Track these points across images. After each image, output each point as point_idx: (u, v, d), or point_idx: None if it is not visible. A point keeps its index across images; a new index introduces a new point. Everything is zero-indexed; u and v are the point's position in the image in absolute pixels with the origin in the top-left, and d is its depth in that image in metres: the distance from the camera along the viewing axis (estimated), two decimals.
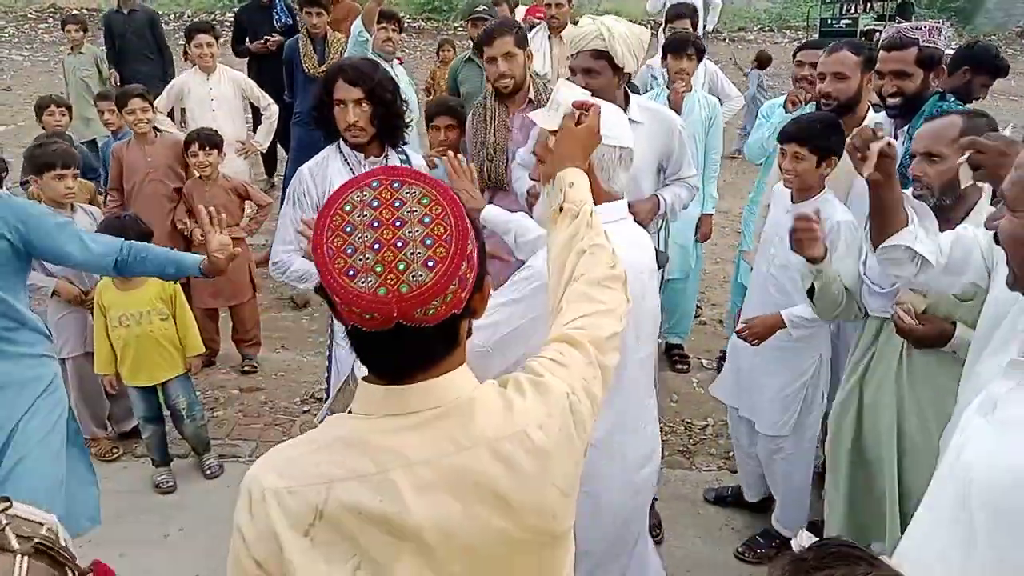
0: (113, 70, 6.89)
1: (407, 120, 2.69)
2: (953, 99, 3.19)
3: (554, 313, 1.38)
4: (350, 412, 1.13)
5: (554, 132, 1.77)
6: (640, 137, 2.82)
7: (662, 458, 2.45)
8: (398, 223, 1.01)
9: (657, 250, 2.30)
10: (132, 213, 3.75)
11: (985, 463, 1.15)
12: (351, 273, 0.99)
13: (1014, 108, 11.23)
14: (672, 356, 4.58)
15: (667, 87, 4.26)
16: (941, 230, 2.00)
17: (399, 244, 1.00)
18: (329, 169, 2.66)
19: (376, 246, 0.99)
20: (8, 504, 1.06)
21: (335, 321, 2.75)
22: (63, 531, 1.12)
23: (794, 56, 4.17)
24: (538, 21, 5.52)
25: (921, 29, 3.02)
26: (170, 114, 5.48)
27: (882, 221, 1.91)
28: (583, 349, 1.25)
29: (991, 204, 2.05)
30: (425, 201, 1.03)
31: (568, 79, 2.48)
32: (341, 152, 2.68)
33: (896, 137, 2.89)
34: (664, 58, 4.25)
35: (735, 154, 8.28)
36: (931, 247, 1.89)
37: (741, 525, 3.29)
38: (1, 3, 16.36)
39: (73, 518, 2.61)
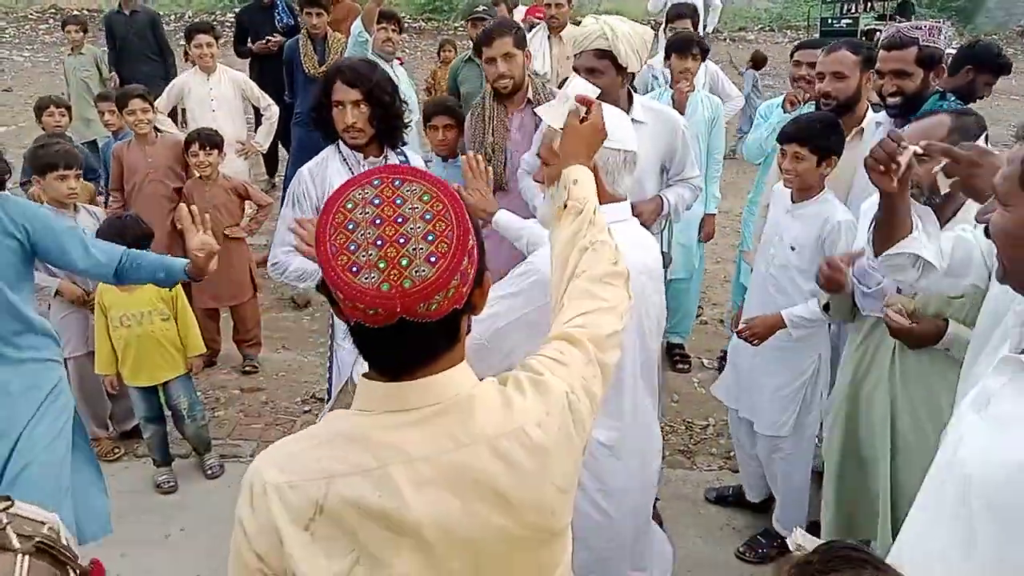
0: (113, 72, 6.88)
1: (406, 121, 2.69)
2: (953, 98, 3.19)
3: (556, 310, 1.38)
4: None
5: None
6: (643, 137, 2.82)
7: (663, 458, 2.46)
8: (400, 220, 1.02)
9: (660, 251, 2.30)
10: (133, 213, 3.75)
11: (981, 459, 1.15)
12: (354, 269, 1.00)
13: (1015, 107, 11.23)
14: (673, 356, 4.58)
15: (669, 87, 4.26)
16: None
17: (401, 240, 1.01)
18: (328, 170, 2.65)
19: (379, 242, 1.01)
20: (10, 503, 1.06)
21: (336, 322, 2.75)
22: (64, 530, 1.12)
23: (792, 56, 4.18)
24: (538, 21, 5.53)
25: (921, 28, 3.03)
26: (171, 114, 5.48)
27: (890, 230, 1.91)
28: (583, 348, 1.25)
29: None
30: (426, 198, 1.04)
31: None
32: (340, 153, 2.68)
33: None
34: (667, 58, 4.24)
35: (731, 154, 8.28)
36: (934, 251, 1.89)
37: (742, 525, 3.29)
38: (2, 4, 16.38)
39: (82, 525, 2.61)
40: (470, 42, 5.28)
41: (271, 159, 7.36)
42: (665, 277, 3.66)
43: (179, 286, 3.50)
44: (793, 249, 2.80)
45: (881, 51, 2.98)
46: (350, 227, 1.02)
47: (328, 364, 2.95)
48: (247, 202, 4.54)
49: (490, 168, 2.63)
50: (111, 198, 4.48)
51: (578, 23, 5.09)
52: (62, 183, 3.49)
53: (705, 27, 7.36)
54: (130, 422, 3.83)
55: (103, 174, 4.94)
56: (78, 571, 1.08)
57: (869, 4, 11.15)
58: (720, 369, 3.91)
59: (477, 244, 1.09)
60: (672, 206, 3.00)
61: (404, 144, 2.75)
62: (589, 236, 1.45)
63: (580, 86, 1.85)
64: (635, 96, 2.97)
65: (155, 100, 4.69)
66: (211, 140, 4.30)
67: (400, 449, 1.06)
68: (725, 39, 15.08)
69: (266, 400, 4.25)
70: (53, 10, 15.94)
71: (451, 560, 1.08)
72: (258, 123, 6.06)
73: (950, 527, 1.21)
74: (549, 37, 5.14)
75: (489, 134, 3.31)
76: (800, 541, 1.31)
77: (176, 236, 4.33)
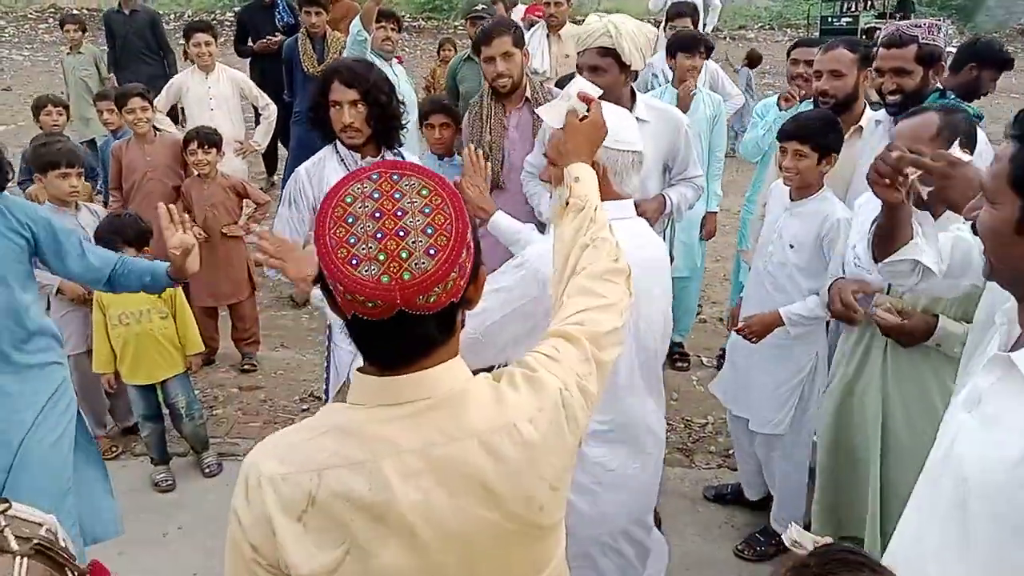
0: (111, 75, 6.86)
1: (403, 121, 2.68)
2: (953, 96, 3.19)
3: (556, 307, 1.39)
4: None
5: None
6: (646, 136, 2.81)
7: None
8: (399, 213, 1.03)
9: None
10: (132, 212, 3.75)
11: (974, 458, 1.15)
12: (354, 262, 1.01)
13: (1015, 105, 11.20)
14: (672, 354, 4.57)
15: (672, 85, 4.25)
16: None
17: (401, 233, 1.02)
18: (325, 169, 2.65)
19: (379, 235, 1.01)
20: (7, 505, 1.06)
21: (333, 323, 2.75)
22: (62, 531, 1.12)
23: (788, 54, 4.18)
24: (537, 19, 5.53)
25: (921, 26, 3.02)
26: (171, 113, 5.47)
27: (892, 238, 1.91)
28: (579, 345, 1.25)
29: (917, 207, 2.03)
30: (424, 192, 1.05)
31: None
32: (338, 152, 2.68)
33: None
34: (672, 56, 4.23)
35: (731, 152, 8.28)
36: (934, 256, 1.89)
37: (741, 523, 3.28)
38: (1, 3, 16.38)
39: (88, 526, 2.61)
40: (470, 41, 5.27)
41: (270, 158, 7.36)
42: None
43: None
44: (792, 247, 2.80)
45: (881, 49, 2.98)
46: (349, 220, 1.03)
47: (326, 363, 2.94)
48: (245, 200, 4.54)
49: (489, 164, 2.63)
50: (111, 197, 4.48)
51: (577, 22, 5.11)
52: (64, 181, 3.51)
53: (704, 26, 7.35)
54: (131, 419, 3.82)
55: (101, 173, 4.94)
56: (76, 572, 1.08)
57: (869, 2, 11.16)
58: (719, 367, 3.91)
59: (473, 239, 1.10)
60: (675, 205, 2.99)
61: (400, 145, 2.75)
62: (590, 233, 1.46)
63: (582, 84, 1.86)
64: (638, 94, 2.96)
65: (154, 99, 4.68)
66: (210, 139, 4.29)
67: (391, 442, 1.07)
68: (725, 37, 15.07)
69: (264, 398, 4.25)
70: (52, 9, 15.95)
71: (440, 553, 1.09)
72: (258, 123, 6.07)
73: (945, 526, 1.20)
74: (548, 35, 5.14)
75: (487, 133, 3.31)
76: (796, 537, 1.30)
77: None
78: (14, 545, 1.00)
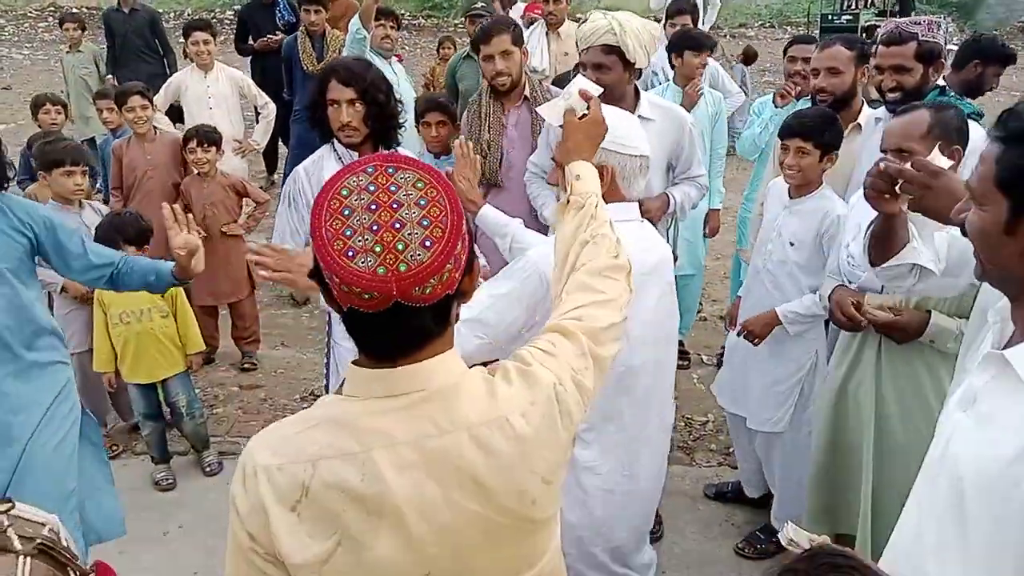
0: (109, 76, 6.84)
1: (401, 120, 2.68)
2: (953, 93, 3.19)
3: (555, 304, 1.40)
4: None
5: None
6: (650, 134, 2.80)
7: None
8: (395, 205, 1.03)
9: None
10: (132, 211, 3.75)
11: (972, 457, 1.15)
12: (350, 254, 1.01)
13: (1016, 103, 11.19)
14: None
15: (674, 82, 4.25)
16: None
17: (397, 225, 1.02)
18: (324, 169, 2.64)
19: (374, 227, 1.02)
20: (11, 505, 1.06)
21: (333, 319, 2.75)
22: (64, 530, 1.12)
23: (785, 52, 4.19)
24: (536, 17, 5.52)
25: (920, 24, 3.02)
26: (169, 112, 5.46)
27: (889, 243, 1.91)
28: (575, 340, 1.26)
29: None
30: (420, 185, 1.06)
31: (583, 75, 2.48)
32: (336, 151, 2.68)
33: None
34: (680, 54, 4.21)
35: (731, 150, 8.28)
36: (931, 255, 1.89)
37: (741, 521, 3.28)
38: (1, 1, 16.36)
39: (93, 525, 2.61)
40: (469, 39, 5.27)
41: (270, 156, 7.35)
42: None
43: None
44: (792, 245, 2.80)
45: (880, 46, 2.97)
46: (346, 213, 1.03)
47: (326, 361, 2.95)
48: (245, 199, 4.53)
49: (478, 157, 2.63)
50: (112, 196, 4.48)
51: (576, 20, 5.10)
52: (68, 179, 3.54)
53: (703, 24, 7.35)
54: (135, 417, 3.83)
55: (101, 172, 4.94)
56: (78, 572, 1.08)
57: (869, 0, 11.13)
58: (719, 365, 3.91)
59: (468, 231, 1.11)
60: (678, 204, 2.99)
61: (398, 144, 2.74)
62: (590, 230, 1.47)
63: (582, 83, 1.86)
64: (642, 93, 2.95)
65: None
66: (209, 137, 4.29)
67: (384, 434, 1.08)
68: (725, 35, 15.05)
69: (265, 397, 4.25)
70: (52, 8, 15.92)
71: (432, 546, 1.09)
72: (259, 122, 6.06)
73: (942, 525, 1.20)
74: (547, 34, 5.14)
75: (485, 131, 3.30)
76: (792, 536, 1.30)
77: None
78: (17, 545, 1.00)
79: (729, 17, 15.98)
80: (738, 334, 2.89)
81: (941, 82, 3.52)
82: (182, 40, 5.57)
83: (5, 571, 0.97)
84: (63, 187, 3.56)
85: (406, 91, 4.93)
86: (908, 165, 1.70)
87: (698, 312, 5.00)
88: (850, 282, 2.42)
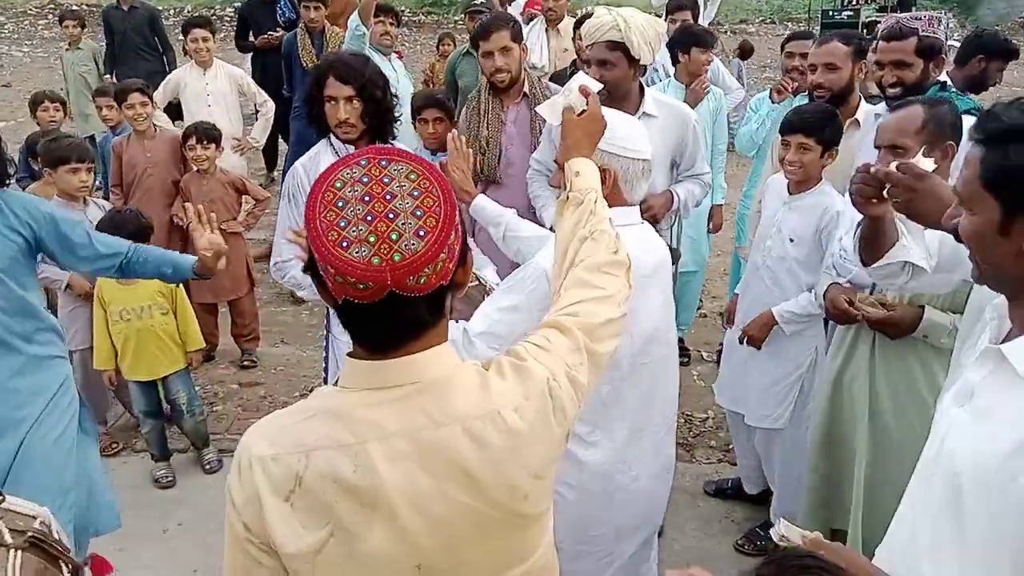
0: (107, 76, 6.82)
1: (397, 115, 2.67)
2: (955, 89, 3.18)
3: (554, 300, 1.40)
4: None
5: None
6: (654, 131, 2.80)
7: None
8: (389, 196, 1.04)
9: (670, 247, 2.29)
10: (133, 208, 3.76)
11: (970, 452, 1.14)
12: (345, 244, 1.02)
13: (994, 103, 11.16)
14: None
15: (675, 78, 4.24)
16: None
17: (391, 216, 1.03)
18: (321, 164, 2.64)
19: (369, 218, 1.03)
20: (1, 498, 1.06)
21: (332, 315, 2.74)
22: (56, 524, 1.12)
23: (783, 47, 4.18)
24: (536, 13, 5.51)
25: (921, 19, 3.01)
26: (167, 109, 5.46)
27: (878, 243, 1.92)
28: (571, 335, 1.26)
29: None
30: (413, 176, 1.07)
31: (585, 71, 2.47)
32: (332, 147, 2.67)
33: None
34: (686, 51, 4.20)
35: (730, 146, 8.27)
36: (922, 253, 1.88)
37: (741, 517, 3.28)
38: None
39: (90, 520, 2.60)
40: (469, 35, 5.27)
41: (270, 154, 7.35)
42: (675, 272, 3.65)
43: None
44: (791, 241, 2.79)
45: (880, 42, 2.97)
46: (339, 204, 1.04)
47: (324, 356, 2.94)
48: (244, 196, 4.53)
49: (470, 151, 2.62)
50: (112, 194, 4.48)
51: (574, 15, 5.09)
52: (74, 176, 3.57)
53: (703, 19, 7.33)
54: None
55: (101, 169, 4.93)
56: (70, 564, 1.08)
57: None
58: (719, 362, 3.91)
59: (460, 222, 1.11)
60: (682, 201, 2.98)
61: (394, 138, 2.73)
62: (589, 226, 1.47)
63: (582, 79, 1.86)
64: (647, 89, 2.94)
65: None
66: (209, 134, 4.29)
67: (378, 425, 1.09)
68: (726, 31, 15.03)
69: (264, 394, 4.25)
70: (52, 5, 15.90)
71: (423, 537, 1.10)
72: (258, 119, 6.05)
73: (938, 523, 1.20)
74: (547, 30, 5.13)
75: (484, 127, 3.30)
76: (784, 532, 1.30)
77: (174, 230, 4.34)
78: (8, 538, 1.00)
79: (730, 13, 15.95)
80: (740, 341, 2.90)
81: (945, 78, 3.53)
82: (181, 37, 5.56)
83: None
84: (69, 184, 3.59)
85: (406, 88, 4.93)
86: (893, 166, 1.69)
87: (698, 309, 5.00)
88: (840, 276, 2.42)
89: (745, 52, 9.11)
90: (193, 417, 3.58)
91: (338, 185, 1.06)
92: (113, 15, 7.06)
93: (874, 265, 1.94)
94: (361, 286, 1.02)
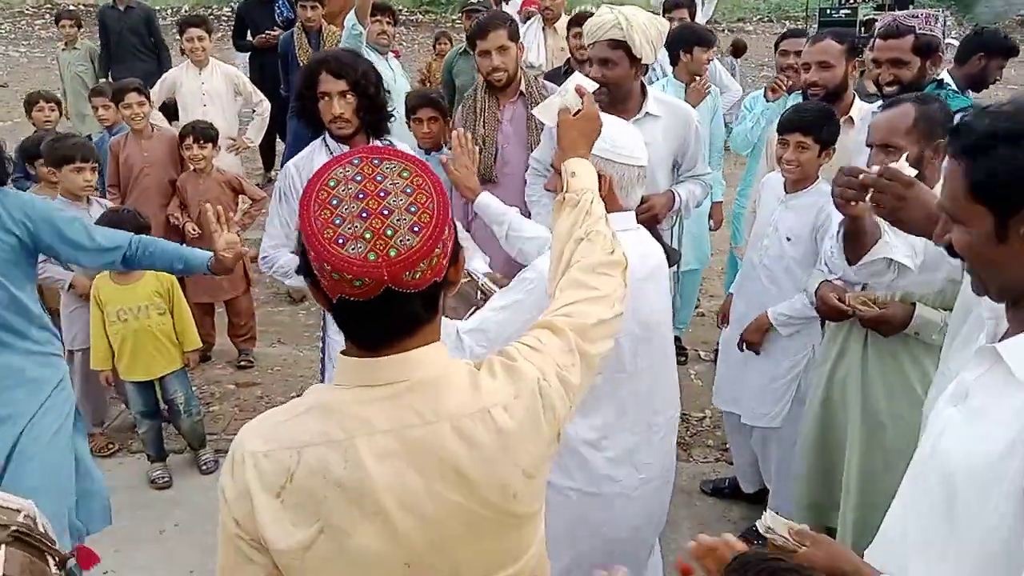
0: (102, 79, 6.80)
1: (390, 108, 2.67)
2: (953, 87, 3.18)
3: (550, 300, 1.40)
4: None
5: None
6: (657, 131, 2.80)
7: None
8: (382, 194, 1.05)
9: (670, 247, 2.29)
10: (130, 208, 3.75)
11: (964, 453, 1.14)
12: (340, 241, 1.03)
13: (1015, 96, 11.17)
14: None
15: (674, 77, 4.24)
16: None
17: (385, 212, 1.04)
18: (314, 163, 2.63)
19: (363, 215, 1.04)
20: None
21: (328, 318, 2.74)
22: (41, 517, 1.11)
23: (777, 46, 4.17)
24: (534, 12, 5.51)
25: (918, 17, 3.02)
26: (162, 108, 5.44)
27: (860, 241, 1.91)
28: (563, 336, 1.27)
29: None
30: (405, 174, 1.08)
31: (578, 70, 2.46)
32: (327, 146, 2.67)
33: None
34: (688, 50, 4.19)
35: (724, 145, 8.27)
36: (906, 250, 1.88)
37: (738, 516, 3.28)
38: None
39: (82, 518, 2.60)
40: (466, 35, 5.26)
41: (268, 153, 7.33)
42: (678, 271, 3.65)
43: (175, 280, 3.49)
44: (789, 240, 2.79)
45: (877, 40, 2.97)
46: (334, 203, 1.05)
47: (321, 357, 2.94)
48: (241, 196, 4.52)
49: (476, 147, 2.62)
50: (109, 194, 4.46)
51: (571, 14, 5.08)
52: (78, 175, 3.61)
53: (700, 18, 7.33)
54: None
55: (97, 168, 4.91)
56: (57, 557, 1.07)
57: None
58: (716, 361, 3.91)
59: (452, 219, 1.12)
60: (683, 201, 2.98)
61: (388, 133, 2.73)
62: (584, 227, 1.48)
63: (578, 79, 1.86)
64: (649, 89, 2.93)
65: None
66: (206, 134, 4.29)
67: (367, 422, 1.09)
68: (724, 30, 15.02)
69: (261, 395, 4.25)
70: (49, 5, 15.87)
71: (413, 535, 1.10)
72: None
73: (929, 523, 1.20)
74: (544, 29, 5.12)
75: (480, 126, 3.29)
76: (770, 523, 1.30)
77: (171, 230, 4.32)
78: None
79: (727, 12, 15.95)
80: (740, 347, 2.90)
81: (946, 76, 3.53)
82: (178, 37, 5.55)
83: None
84: (73, 183, 3.62)
85: (403, 87, 4.92)
86: (876, 170, 1.68)
87: (696, 308, 4.99)
88: (833, 272, 2.42)
89: (738, 50, 9.11)
90: (190, 417, 3.57)
91: (332, 184, 1.06)
92: (109, 15, 7.03)
93: (859, 263, 1.93)
94: (357, 283, 1.03)
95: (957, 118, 2.07)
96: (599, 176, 1.83)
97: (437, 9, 16.50)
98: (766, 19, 16.87)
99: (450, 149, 3.62)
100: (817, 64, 3.03)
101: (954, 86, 3.49)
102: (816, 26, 10.77)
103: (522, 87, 3.38)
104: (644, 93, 2.88)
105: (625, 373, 2.03)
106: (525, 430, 1.15)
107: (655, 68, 4.80)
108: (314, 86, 2.53)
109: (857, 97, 3.19)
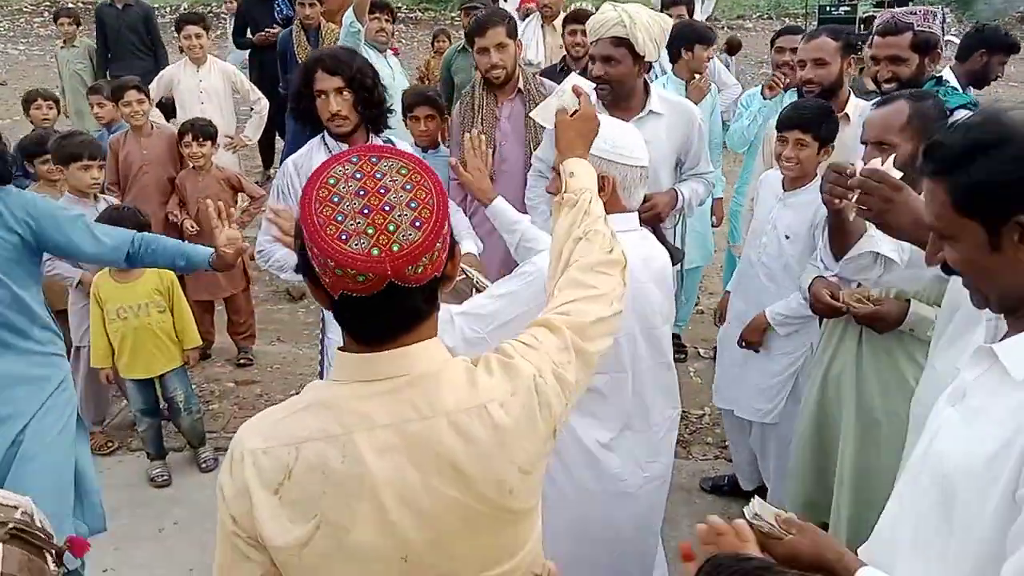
0: (102, 76, 6.79)
1: (388, 104, 2.66)
2: (950, 84, 3.18)
3: (548, 300, 1.40)
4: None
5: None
6: (661, 129, 2.79)
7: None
8: (383, 190, 1.07)
9: (673, 246, 2.29)
10: (130, 205, 3.76)
11: (960, 454, 1.14)
12: (343, 237, 1.04)
13: (1014, 94, 11.18)
14: None
15: (674, 75, 4.24)
16: None
17: (387, 208, 1.05)
18: (313, 161, 2.63)
19: (365, 211, 1.05)
20: None
21: (328, 317, 2.74)
22: (38, 513, 1.11)
23: (772, 43, 4.17)
24: (532, 9, 5.50)
25: (916, 14, 3.02)
26: (160, 105, 5.44)
27: (845, 236, 1.91)
28: (559, 334, 1.27)
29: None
30: (404, 171, 1.10)
31: (574, 68, 2.45)
32: (326, 144, 2.67)
33: None
34: (690, 48, 4.19)
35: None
36: (892, 246, 1.88)
37: (737, 514, 3.21)
38: None
39: (83, 518, 2.60)
40: (464, 32, 5.25)
41: (267, 151, 7.33)
42: (681, 270, 3.65)
43: (175, 277, 3.49)
44: (787, 238, 2.79)
45: (876, 37, 2.97)
46: (335, 200, 1.06)
47: (320, 355, 2.94)
48: (240, 194, 4.52)
49: (490, 150, 2.60)
50: (108, 191, 4.45)
51: (567, 11, 5.07)
52: (86, 173, 3.62)
53: (699, 15, 7.32)
54: None
55: None
56: (54, 552, 1.07)
57: None
58: (715, 359, 3.91)
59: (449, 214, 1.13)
60: (686, 200, 2.98)
61: (388, 128, 2.72)
62: (583, 226, 1.49)
63: (575, 79, 1.86)
64: (652, 87, 2.93)
65: None
66: (205, 131, 4.29)
67: (367, 417, 1.10)
68: (723, 27, 15.01)
69: (261, 393, 4.25)
70: (48, 3, 15.84)
71: (410, 530, 1.11)
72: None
73: (924, 522, 1.20)
74: (542, 26, 5.11)
75: (478, 123, 3.29)
76: (757, 510, 1.30)
77: (170, 227, 4.32)
78: None
79: (727, 9, 15.93)
80: (740, 344, 2.91)
81: (948, 73, 3.53)
82: (176, 35, 5.54)
83: None
84: (80, 181, 3.63)
85: (401, 84, 4.91)
86: (859, 166, 1.68)
87: (695, 305, 4.99)
88: (828, 269, 2.42)
89: (733, 47, 9.10)
90: (190, 415, 3.57)
91: (332, 182, 1.07)
92: (107, 13, 7.01)
93: (845, 257, 1.94)
94: (361, 278, 1.04)
95: (953, 116, 2.08)
96: (602, 178, 1.84)
97: (436, 6, 16.48)
98: (765, 16, 16.84)
99: (448, 148, 3.63)
100: (812, 61, 3.03)
101: (956, 83, 3.50)
102: (815, 23, 10.76)
103: (520, 84, 3.38)
104: (647, 91, 2.88)
105: (627, 373, 2.04)
106: (521, 427, 1.16)
107: (655, 66, 4.80)
108: (310, 84, 2.53)
109: (853, 94, 3.19)
